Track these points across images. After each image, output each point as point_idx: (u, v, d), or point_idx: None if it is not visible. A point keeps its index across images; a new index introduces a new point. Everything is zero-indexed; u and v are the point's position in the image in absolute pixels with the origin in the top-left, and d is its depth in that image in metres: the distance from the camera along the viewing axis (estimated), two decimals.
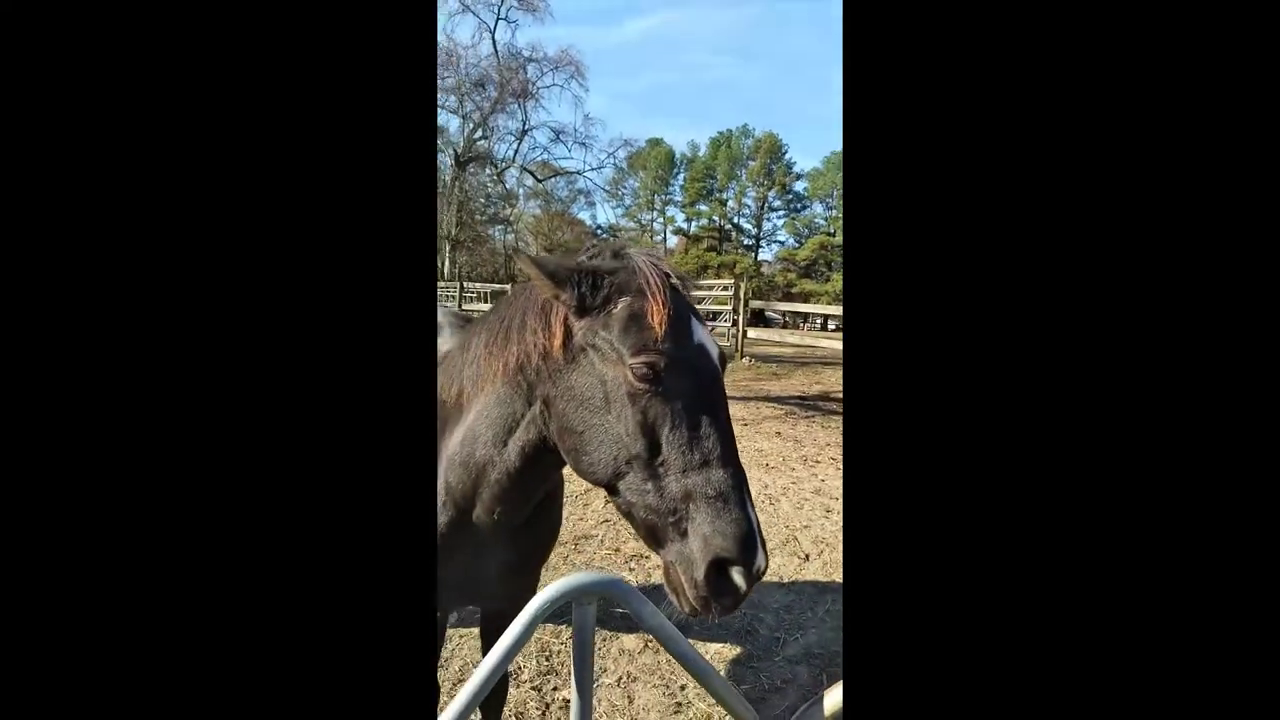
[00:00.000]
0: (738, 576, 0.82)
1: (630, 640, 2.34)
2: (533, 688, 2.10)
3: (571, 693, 0.99)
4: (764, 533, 0.88)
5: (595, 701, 2.07)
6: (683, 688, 2.10)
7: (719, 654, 2.38)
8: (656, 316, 0.91)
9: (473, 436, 1.11)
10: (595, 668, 2.25)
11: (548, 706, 2.02)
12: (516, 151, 23.52)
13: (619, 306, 0.95)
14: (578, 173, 25.43)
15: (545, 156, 24.75)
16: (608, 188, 35.98)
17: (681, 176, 46.09)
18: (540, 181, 24.50)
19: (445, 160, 22.08)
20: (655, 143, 45.45)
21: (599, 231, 39.22)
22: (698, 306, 1.12)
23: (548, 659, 2.27)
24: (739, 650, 2.40)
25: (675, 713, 1.99)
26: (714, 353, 0.97)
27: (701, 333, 0.97)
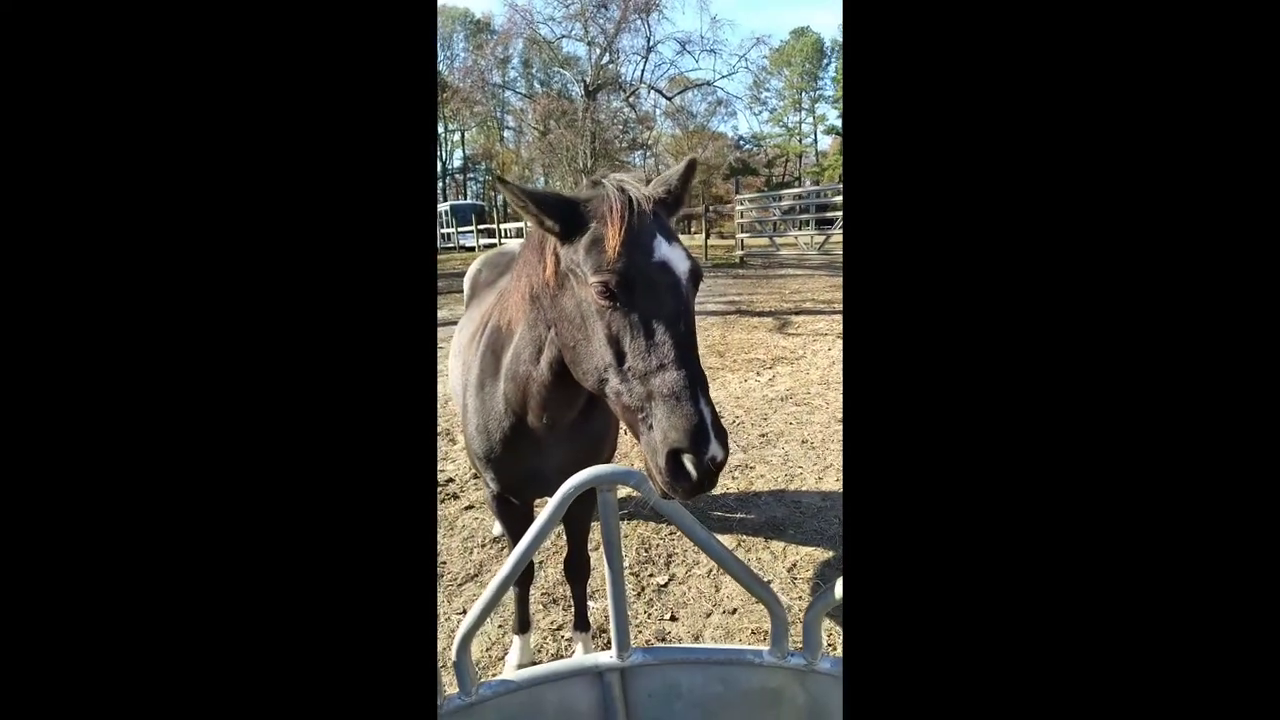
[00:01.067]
0: (689, 464, 0.94)
1: (724, 539, 2.54)
2: (631, 574, 2.40)
3: (604, 563, 1.20)
4: (720, 426, 0.97)
5: (685, 588, 2.32)
6: (768, 582, 2.26)
7: (809, 556, 2.49)
8: (611, 240, 1.01)
9: (516, 355, 1.33)
10: (687, 559, 2.49)
11: (643, 589, 2.32)
12: (643, 70, 22.90)
13: (586, 233, 1.06)
14: (707, 83, 24.21)
15: (673, 71, 23.84)
16: (746, 94, 33.75)
17: (833, 68, 41.38)
18: (670, 99, 23.72)
19: (577, 91, 22.28)
20: (800, 33, 41.09)
21: (741, 143, 37.27)
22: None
23: (646, 550, 2.56)
24: (830, 554, 2.48)
25: (756, 602, 2.17)
26: (680, 268, 1.05)
27: (666, 250, 1.05)
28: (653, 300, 1.01)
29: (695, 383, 0.96)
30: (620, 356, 1.01)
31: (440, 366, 5.70)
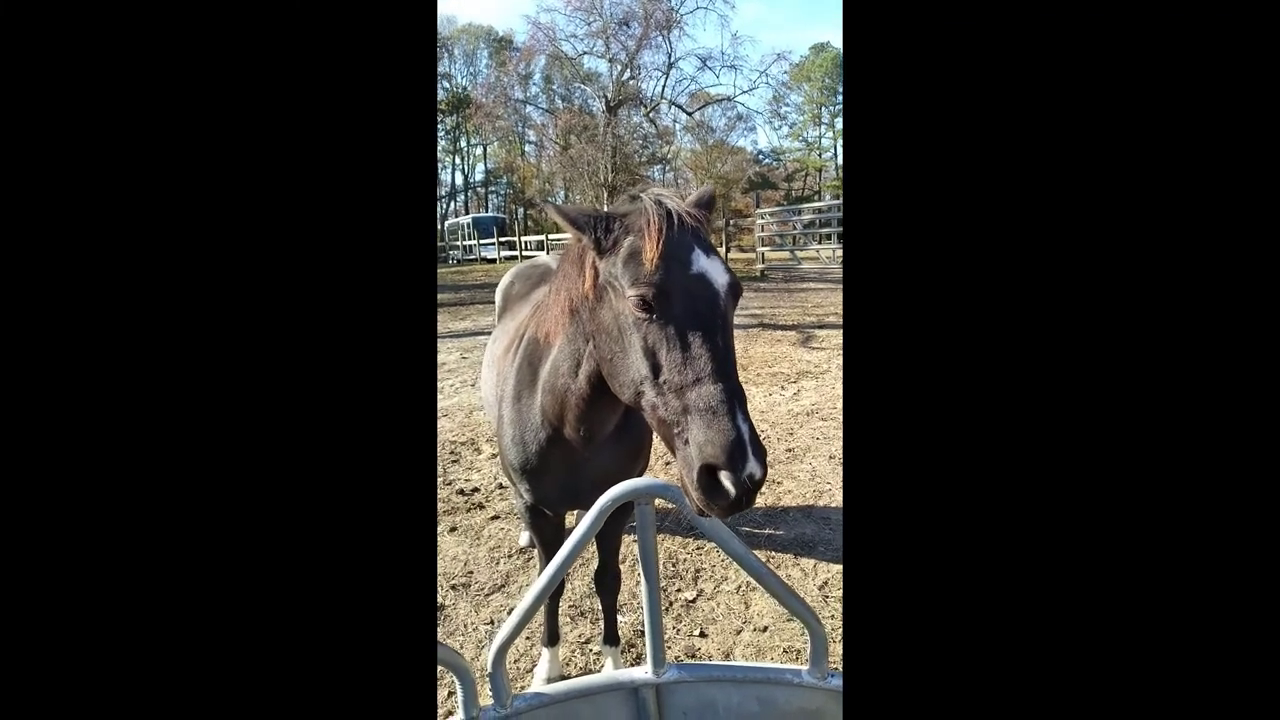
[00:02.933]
0: (726, 482, 0.92)
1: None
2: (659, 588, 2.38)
3: (641, 577, 1.19)
4: (759, 443, 0.95)
5: (714, 604, 2.29)
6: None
7: (841, 574, 2.44)
8: (648, 252, 1.01)
9: (554, 368, 1.33)
10: (715, 575, 2.46)
11: (671, 604, 2.29)
12: (664, 86, 23.14)
13: (624, 246, 1.07)
14: (728, 98, 24.34)
15: (694, 87, 24.04)
16: (766, 108, 33.90)
17: None
18: (690, 114, 23.89)
19: (598, 107, 22.55)
20: (820, 48, 41.24)
21: (761, 158, 37.36)
22: None
23: (673, 565, 2.53)
24: None
25: (788, 620, 2.13)
26: (719, 281, 1.05)
27: (704, 263, 1.05)
28: (690, 313, 1.00)
29: (733, 397, 0.95)
30: (656, 369, 1.01)
31: (464, 377, 5.76)
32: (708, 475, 0.93)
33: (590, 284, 1.14)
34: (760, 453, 0.94)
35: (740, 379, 1.02)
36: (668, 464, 3.47)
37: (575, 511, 1.88)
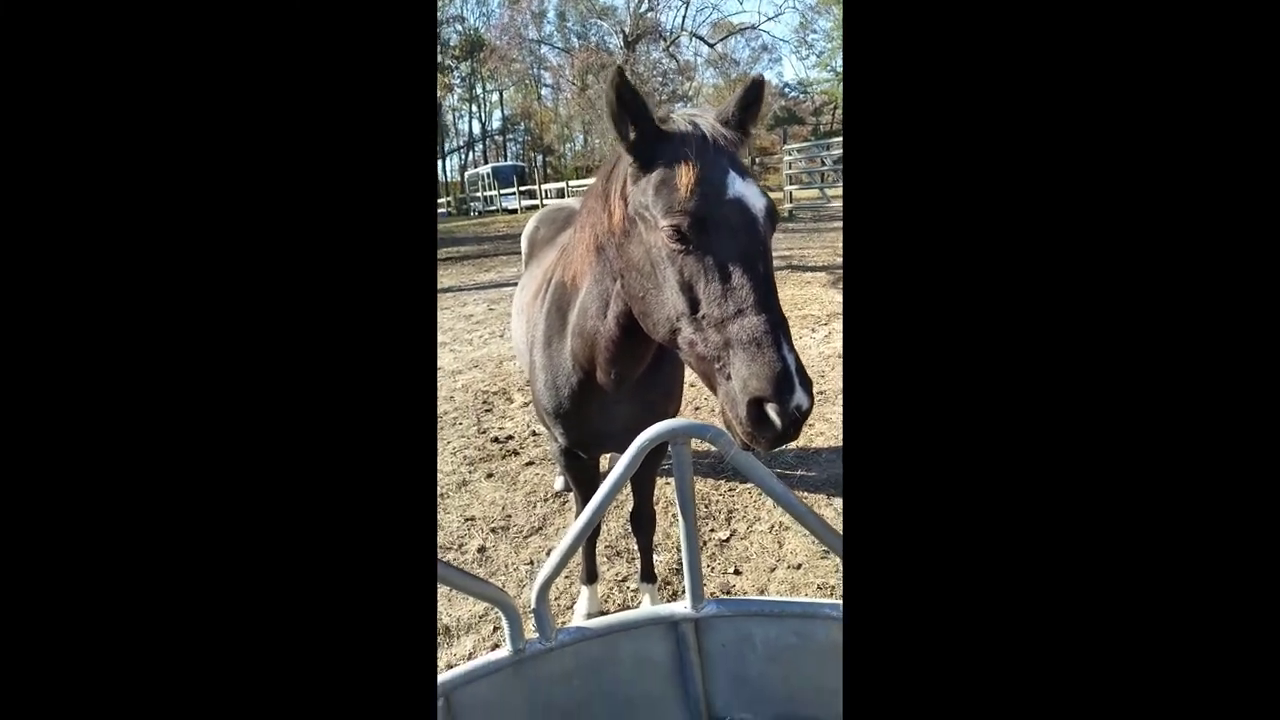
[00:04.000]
0: (773, 413, 0.90)
1: None
2: None
3: (679, 516, 1.20)
4: (805, 373, 0.92)
5: (747, 544, 2.33)
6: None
7: None
8: (684, 179, 0.95)
9: (583, 310, 1.31)
10: (748, 515, 2.49)
11: (705, 543, 2.34)
12: (684, 17, 21.98)
13: (654, 173, 1.01)
14: (752, 27, 23.05)
15: (715, 16, 22.80)
16: (793, 37, 32.05)
17: None
18: (712, 46, 22.74)
19: (615, 43, 21.61)
20: None
21: (787, 90, 35.60)
22: None
23: (706, 506, 2.57)
24: None
25: (822, 557, 2.16)
26: (756, 205, 0.99)
27: (739, 186, 0.98)
28: (728, 242, 0.95)
29: (777, 327, 0.91)
30: (694, 304, 0.97)
31: (492, 328, 5.80)
32: (756, 408, 0.90)
33: (619, 217, 1.09)
34: (806, 382, 0.91)
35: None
36: (696, 409, 3.48)
37: (608, 454, 1.90)
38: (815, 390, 3.27)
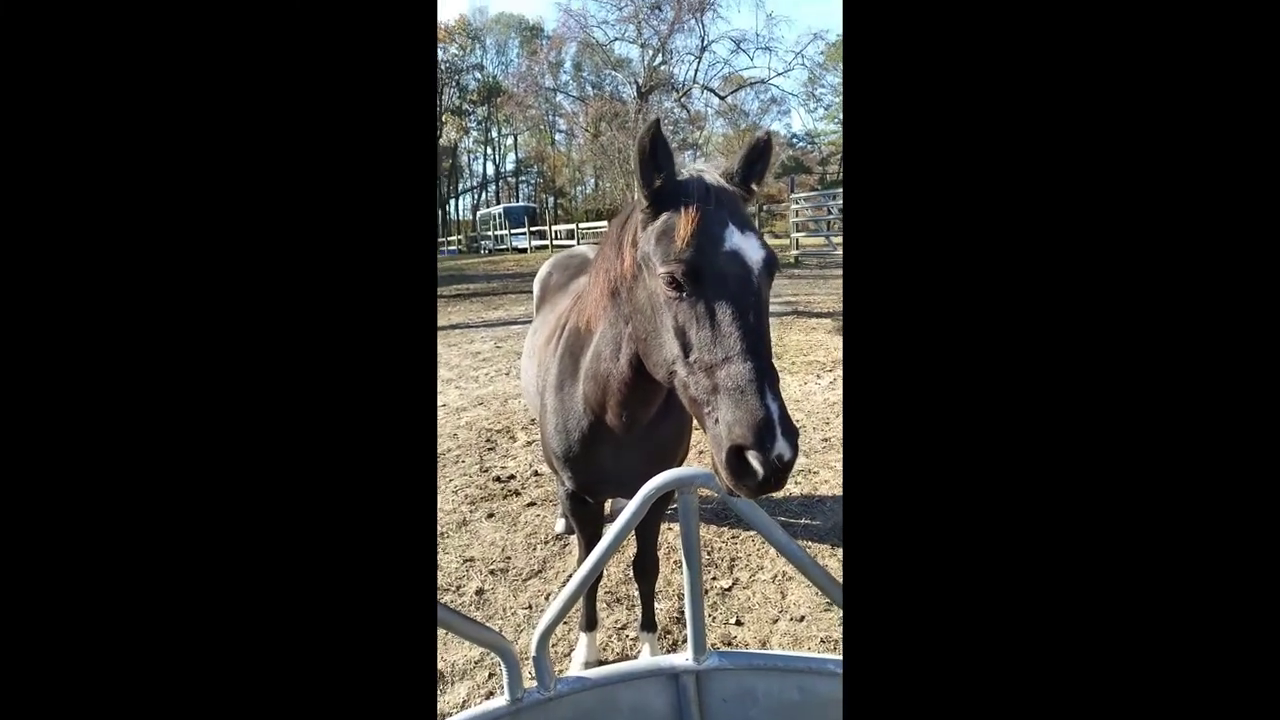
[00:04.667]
0: (754, 461, 0.90)
1: None
2: None
3: (683, 565, 1.19)
4: (790, 423, 0.92)
5: (750, 593, 2.29)
6: None
7: None
8: (681, 230, 1.00)
9: (597, 354, 1.34)
10: (750, 564, 2.46)
11: (707, 592, 2.30)
12: (696, 70, 22.82)
13: (659, 222, 1.06)
14: (762, 81, 23.87)
15: (727, 70, 23.64)
16: (801, 90, 33.15)
17: None
18: (723, 98, 23.53)
19: (629, 93, 22.39)
20: None
21: (795, 141, 36.59)
22: None
23: (709, 553, 2.54)
24: None
25: (825, 610, 2.12)
26: (753, 258, 1.03)
27: (738, 239, 1.03)
28: (720, 291, 0.98)
29: (763, 376, 0.93)
30: (687, 348, 1.00)
31: (499, 366, 5.84)
32: (736, 455, 0.92)
33: (630, 262, 1.13)
34: (790, 433, 0.92)
35: (775, 363, 1.01)
36: (701, 453, 3.47)
37: (613, 500, 1.90)
38: (821, 437, 3.21)
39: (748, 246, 1.04)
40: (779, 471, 0.90)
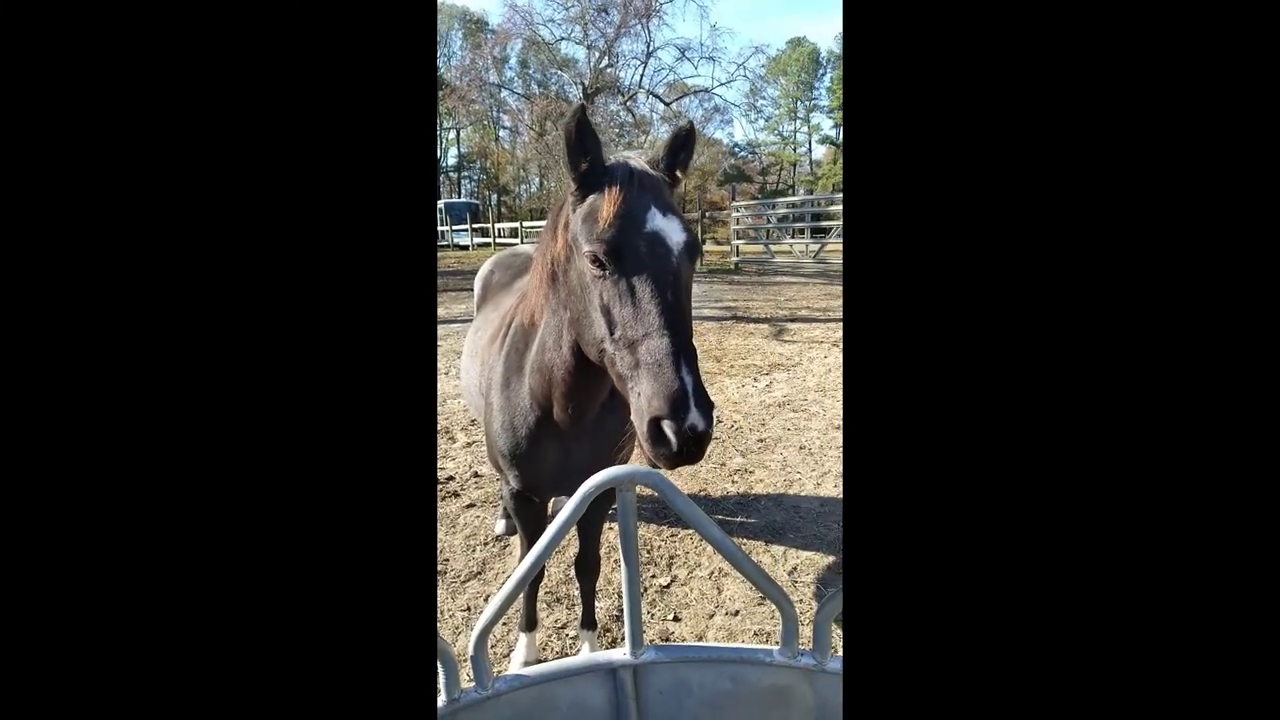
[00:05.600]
0: (669, 431, 0.95)
1: None
2: None
3: (621, 562, 1.22)
4: (704, 396, 0.96)
5: (687, 590, 2.35)
6: None
7: (809, 560, 2.52)
8: (604, 211, 1.05)
9: (542, 344, 1.35)
10: (689, 561, 2.52)
11: (645, 589, 2.34)
12: (642, 76, 23.00)
13: (585, 204, 1.11)
14: (706, 90, 24.32)
15: (672, 77, 23.96)
16: (743, 101, 33.99)
17: (828, 78, 41.82)
18: (668, 104, 23.81)
19: (574, 94, 22.30)
20: (796, 43, 41.43)
21: (737, 150, 37.48)
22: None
23: (648, 552, 2.58)
24: (831, 558, 2.52)
25: (759, 604, 2.20)
26: (673, 239, 1.08)
27: (659, 221, 1.08)
28: (640, 270, 1.03)
29: (679, 352, 0.97)
30: (612, 325, 1.04)
31: (438, 365, 5.70)
32: (654, 426, 0.96)
33: (561, 245, 1.17)
34: (704, 405, 0.96)
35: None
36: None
37: (555, 499, 1.90)
38: (757, 438, 3.31)
39: (669, 228, 1.08)
40: (691, 441, 0.95)
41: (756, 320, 7.47)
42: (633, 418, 1.02)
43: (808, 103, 42.64)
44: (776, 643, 1.22)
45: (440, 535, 2.75)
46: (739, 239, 13.87)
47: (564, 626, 2.16)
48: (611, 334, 1.04)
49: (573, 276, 1.14)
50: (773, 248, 14.03)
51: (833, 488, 3.10)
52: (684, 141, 1.23)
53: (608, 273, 1.04)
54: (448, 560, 2.56)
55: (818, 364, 5.38)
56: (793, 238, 15.21)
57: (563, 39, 23.14)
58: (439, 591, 2.36)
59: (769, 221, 14.55)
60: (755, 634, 2.09)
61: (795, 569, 2.46)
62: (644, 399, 0.97)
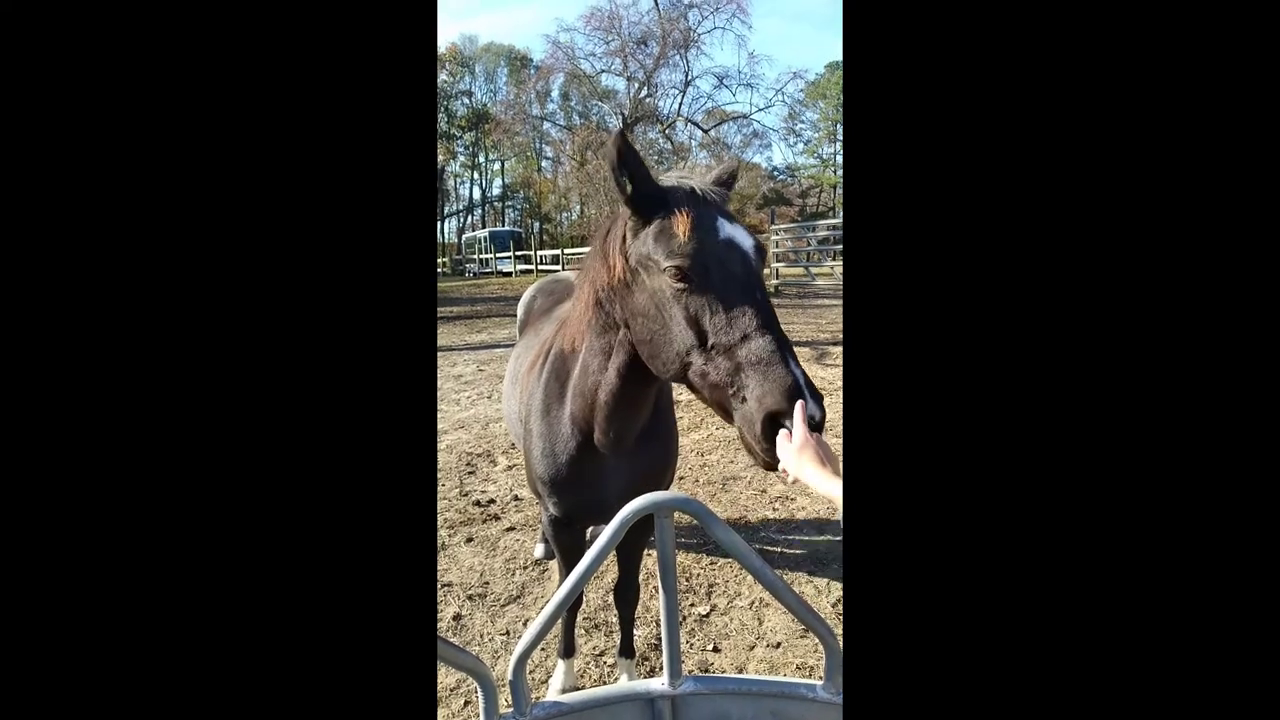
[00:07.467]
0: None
1: None
2: None
3: (659, 589, 1.22)
4: (814, 386, 0.96)
5: (727, 619, 2.30)
6: None
7: None
8: (680, 226, 1.08)
9: (584, 368, 1.37)
10: (729, 590, 2.47)
11: (685, 618, 2.30)
12: (680, 104, 23.40)
13: (652, 226, 1.13)
14: (744, 116, 24.54)
15: (710, 105, 24.28)
16: (782, 125, 34.12)
17: None
18: (706, 131, 24.10)
19: (614, 123, 22.81)
20: (835, 66, 41.43)
21: (776, 174, 37.53)
22: None
23: (687, 580, 2.55)
24: None
25: (801, 636, 2.14)
26: (745, 243, 1.11)
27: (729, 228, 1.11)
28: (727, 276, 1.05)
29: (783, 346, 0.98)
30: (703, 336, 1.04)
31: (481, 389, 5.82)
32: (769, 424, 0.95)
33: (620, 270, 1.19)
34: (817, 395, 0.96)
35: None
36: (680, 479, 3.49)
37: (593, 527, 1.91)
38: None
39: (739, 234, 1.12)
40: (815, 430, 0.94)
41: (798, 344, 7.34)
42: (739, 424, 1.02)
43: None
44: (820, 678, 1.18)
45: (480, 558, 2.78)
46: (779, 262, 13.78)
47: (602, 654, 2.15)
48: (702, 345, 1.05)
49: (639, 298, 1.16)
50: (813, 270, 13.88)
51: None
52: (731, 176, 1.31)
53: (692, 285, 1.06)
54: (487, 584, 2.58)
55: None
56: (833, 260, 15.02)
57: (603, 72, 23.82)
58: (479, 615, 2.38)
59: (809, 244, 14.43)
60: (798, 667, 2.03)
61: (839, 601, 2.39)
62: (756, 399, 0.97)
